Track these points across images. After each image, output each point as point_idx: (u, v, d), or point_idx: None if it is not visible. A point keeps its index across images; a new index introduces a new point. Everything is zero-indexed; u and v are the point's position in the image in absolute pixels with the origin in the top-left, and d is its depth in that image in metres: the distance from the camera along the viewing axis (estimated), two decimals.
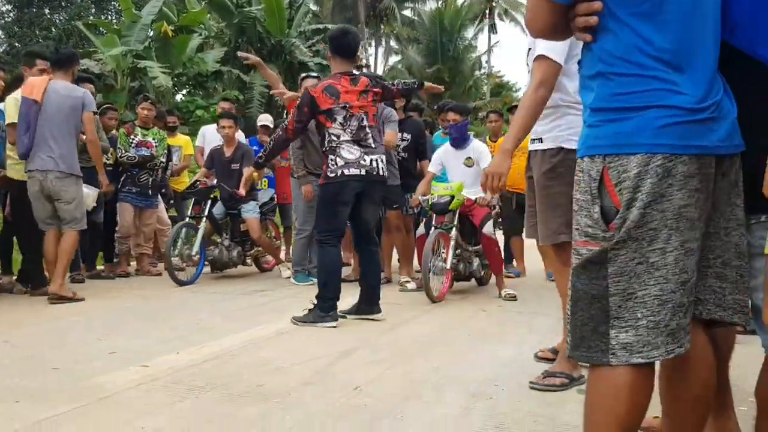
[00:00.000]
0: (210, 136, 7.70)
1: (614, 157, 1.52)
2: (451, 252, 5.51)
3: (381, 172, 4.51)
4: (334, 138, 4.42)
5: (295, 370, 3.23)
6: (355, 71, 4.69)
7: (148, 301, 5.27)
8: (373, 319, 4.54)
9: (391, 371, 3.25)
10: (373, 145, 4.49)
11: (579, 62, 1.67)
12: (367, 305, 4.59)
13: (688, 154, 1.48)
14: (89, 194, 5.65)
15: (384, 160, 4.59)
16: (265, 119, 7.84)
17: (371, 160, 4.44)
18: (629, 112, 1.51)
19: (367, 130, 4.49)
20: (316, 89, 4.47)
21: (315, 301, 4.38)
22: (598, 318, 1.53)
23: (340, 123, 4.42)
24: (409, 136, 6.49)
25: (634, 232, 1.50)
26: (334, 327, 4.26)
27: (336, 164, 4.39)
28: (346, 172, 4.38)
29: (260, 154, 5.12)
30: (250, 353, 3.57)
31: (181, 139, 8.10)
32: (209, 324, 4.35)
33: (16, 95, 5.46)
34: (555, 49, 2.74)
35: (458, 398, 2.83)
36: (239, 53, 7.06)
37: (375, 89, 4.59)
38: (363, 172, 4.40)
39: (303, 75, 6.89)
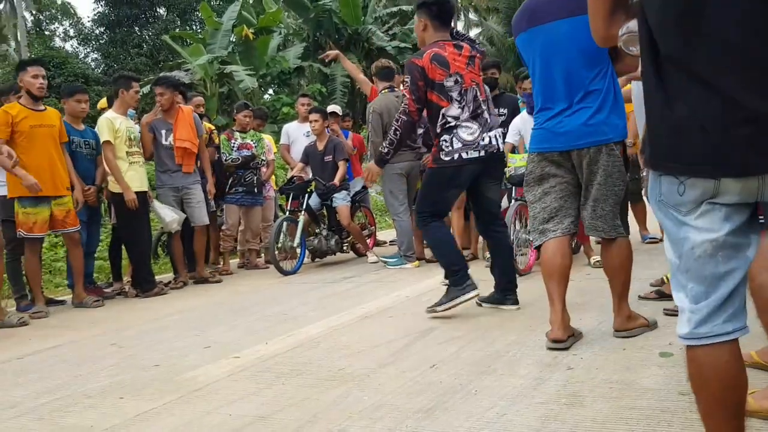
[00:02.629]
0: (293, 132, 7.92)
1: None
2: None
3: (500, 147, 4.10)
4: (452, 119, 3.98)
5: (375, 353, 3.31)
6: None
7: (241, 296, 5.53)
8: (503, 309, 4.13)
9: (468, 347, 3.28)
10: (489, 120, 4.07)
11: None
12: (500, 294, 4.19)
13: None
14: (175, 218, 5.99)
15: (501, 134, 4.16)
16: (333, 107, 8.03)
17: (489, 138, 4.02)
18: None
19: (483, 104, 4.06)
20: (422, 59, 3.96)
21: (446, 282, 4.17)
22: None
23: (457, 100, 3.98)
24: (505, 111, 6.42)
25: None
26: (478, 293, 4.06)
27: (452, 146, 3.96)
28: (464, 155, 3.96)
29: (386, 149, 4.29)
30: (332, 339, 3.69)
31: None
32: (296, 313, 4.52)
33: (109, 115, 5.84)
34: None
35: (533, 369, 2.83)
36: (320, 56, 7.28)
37: (479, 55, 4.16)
38: (483, 153, 3.98)
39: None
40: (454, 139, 3.97)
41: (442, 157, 4.01)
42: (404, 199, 6.44)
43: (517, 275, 5.13)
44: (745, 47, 1.30)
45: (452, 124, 3.98)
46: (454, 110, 3.99)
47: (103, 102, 6.47)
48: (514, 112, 6.51)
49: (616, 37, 1.63)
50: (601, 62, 3.06)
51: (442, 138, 4.01)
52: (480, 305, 4.21)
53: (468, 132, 3.98)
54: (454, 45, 4.06)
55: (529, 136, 5.74)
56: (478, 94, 4.07)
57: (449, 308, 3.99)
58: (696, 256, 1.43)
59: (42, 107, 5.42)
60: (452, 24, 4.25)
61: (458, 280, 4.03)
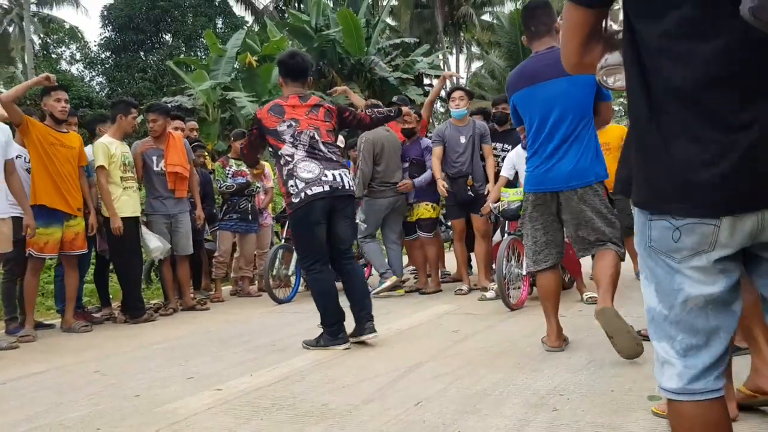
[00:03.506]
0: None
1: None
2: (526, 258, 5.40)
3: (347, 186, 4.28)
4: (289, 158, 4.24)
5: (360, 388, 3.26)
6: (308, 92, 4.56)
7: (230, 325, 5.47)
8: (365, 342, 4.25)
9: (455, 384, 3.22)
10: (334, 159, 4.31)
11: None
12: (359, 326, 4.29)
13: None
14: (159, 247, 5.97)
15: (347, 174, 4.34)
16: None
17: (333, 175, 4.23)
18: None
19: (322, 146, 4.30)
20: (262, 110, 4.43)
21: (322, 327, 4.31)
22: None
23: (290, 141, 4.27)
24: (509, 147, 6.46)
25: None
26: (348, 348, 4.17)
27: (297, 187, 4.19)
28: (309, 192, 4.17)
29: (246, 161, 5.28)
30: (319, 372, 3.63)
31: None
32: (284, 344, 4.47)
33: (105, 140, 5.85)
34: None
35: (518, 410, 2.77)
36: (329, 91, 7.59)
37: (328, 106, 4.47)
38: (327, 188, 4.18)
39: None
40: (297, 180, 4.22)
41: (293, 200, 4.24)
42: (373, 229, 6.71)
43: (508, 309, 5.16)
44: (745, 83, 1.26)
45: (291, 166, 4.24)
46: (288, 149, 4.27)
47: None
48: None
49: (588, 66, 1.59)
50: (587, 114, 3.60)
51: (288, 184, 4.26)
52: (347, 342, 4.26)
53: (307, 171, 4.23)
54: (300, 97, 4.43)
55: (523, 170, 5.83)
56: (318, 137, 4.32)
57: (315, 349, 4.22)
58: (689, 309, 1.38)
59: (64, 130, 5.57)
60: (307, 77, 4.55)
61: (333, 332, 4.23)
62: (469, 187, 6.32)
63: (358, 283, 4.40)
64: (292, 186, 4.22)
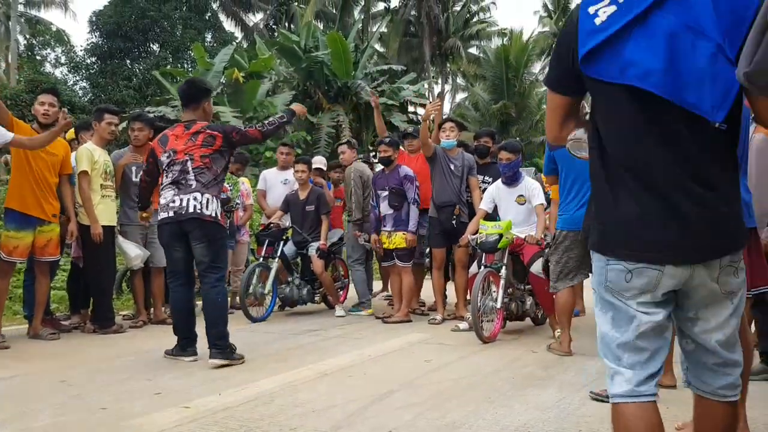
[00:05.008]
0: (271, 179, 7.89)
1: None
2: (501, 291, 5.44)
3: (192, 209, 4.40)
4: (161, 186, 4.64)
5: (330, 414, 3.25)
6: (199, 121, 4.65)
7: (200, 341, 5.39)
8: (181, 359, 4.56)
9: (425, 415, 3.23)
10: (192, 185, 4.46)
11: None
12: (211, 344, 4.44)
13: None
14: (139, 255, 5.94)
15: (200, 198, 4.44)
16: (318, 162, 8.01)
17: (180, 201, 4.44)
18: None
19: (191, 172, 4.49)
20: (155, 141, 4.75)
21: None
22: None
23: (166, 170, 4.57)
24: (490, 180, 6.52)
25: None
26: (195, 361, 4.51)
27: (158, 212, 4.64)
28: (159, 217, 4.58)
29: (138, 200, 5.47)
30: (288, 395, 3.61)
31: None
32: (255, 365, 4.44)
33: (89, 146, 5.82)
34: None
35: None
36: (369, 90, 7.93)
37: (209, 131, 4.56)
38: (171, 213, 4.47)
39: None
40: (160, 205, 4.60)
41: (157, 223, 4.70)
42: (361, 257, 7.15)
43: (481, 341, 5.18)
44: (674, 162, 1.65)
45: (160, 192, 4.61)
46: (163, 177, 4.61)
47: (71, 133, 6.43)
48: None
49: (564, 139, 1.97)
50: None
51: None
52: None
53: (164, 197, 4.54)
54: (185, 126, 4.62)
55: (504, 205, 5.89)
56: (189, 164, 4.50)
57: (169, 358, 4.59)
58: (639, 332, 1.72)
59: None
60: (199, 102, 4.69)
61: (182, 345, 4.61)
62: (455, 216, 6.39)
63: (207, 307, 4.50)
64: (157, 210, 4.74)
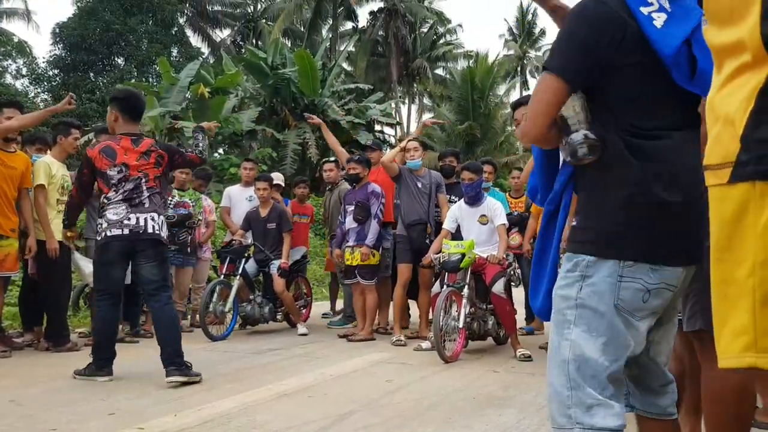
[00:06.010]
0: (235, 196, 7.84)
1: None
2: (463, 311, 5.45)
3: (150, 230, 4.42)
4: (106, 201, 4.47)
5: None
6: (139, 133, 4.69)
7: (157, 360, 5.25)
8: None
9: None
10: (146, 204, 4.47)
11: None
12: (167, 363, 4.33)
13: None
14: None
15: (157, 219, 4.48)
16: (277, 178, 7.97)
17: (137, 219, 4.41)
18: None
19: (144, 191, 4.48)
20: (94, 150, 4.55)
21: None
22: None
23: (114, 186, 4.44)
24: (456, 199, 6.56)
25: None
26: (110, 380, 4.40)
27: (102, 226, 4.46)
28: (108, 233, 4.41)
29: (64, 217, 5.16)
30: (245, 416, 3.55)
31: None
32: (213, 384, 4.36)
33: (47, 159, 5.70)
34: None
35: None
36: (306, 115, 7.74)
37: (159, 151, 4.60)
38: (126, 231, 4.38)
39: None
40: (103, 221, 4.46)
41: (97, 237, 4.54)
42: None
43: (443, 361, 5.18)
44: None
45: (105, 205, 4.47)
46: (110, 193, 4.46)
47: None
48: None
49: (550, 140, 1.72)
50: None
51: (98, 222, 4.57)
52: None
53: (114, 212, 4.42)
54: (133, 140, 4.53)
55: (467, 225, 5.92)
56: (144, 183, 4.49)
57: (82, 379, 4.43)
58: (629, 352, 1.63)
59: (12, 149, 5.43)
60: (141, 119, 4.76)
61: (100, 365, 4.45)
62: (428, 235, 6.44)
63: (162, 326, 4.46)
64: (99, 225, 4.54)
